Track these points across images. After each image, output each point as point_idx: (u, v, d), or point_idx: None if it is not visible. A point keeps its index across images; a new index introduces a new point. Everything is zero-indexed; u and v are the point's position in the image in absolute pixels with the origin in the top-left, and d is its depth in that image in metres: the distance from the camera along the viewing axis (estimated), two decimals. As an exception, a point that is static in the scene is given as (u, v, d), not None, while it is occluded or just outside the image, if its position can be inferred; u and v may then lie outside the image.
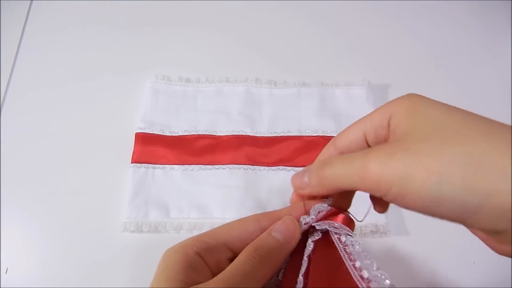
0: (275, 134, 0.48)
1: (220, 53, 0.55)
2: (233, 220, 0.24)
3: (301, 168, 0.25)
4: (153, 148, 0.46)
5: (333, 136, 0.25)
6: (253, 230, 0.23)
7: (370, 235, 0.42)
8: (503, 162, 0.15)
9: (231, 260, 0.22)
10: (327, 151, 0.24)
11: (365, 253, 0.20)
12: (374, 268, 0.18)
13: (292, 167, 0.46)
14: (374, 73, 0.53)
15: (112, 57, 0.54)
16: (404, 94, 0.21)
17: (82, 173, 0.45)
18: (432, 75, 0.54)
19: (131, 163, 0.45)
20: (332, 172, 0.20)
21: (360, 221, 0.23)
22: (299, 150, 0.47)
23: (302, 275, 0.21)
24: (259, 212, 0.26)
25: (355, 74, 0.52)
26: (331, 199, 0.23)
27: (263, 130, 0.48)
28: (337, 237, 0.22)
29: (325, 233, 0.23)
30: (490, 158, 0.16)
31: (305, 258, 0.22)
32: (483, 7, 0.61)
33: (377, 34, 0.58)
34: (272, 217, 0.23)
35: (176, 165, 0.45)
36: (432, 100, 0.20)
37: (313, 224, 0.23)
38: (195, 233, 0.30)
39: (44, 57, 0.53)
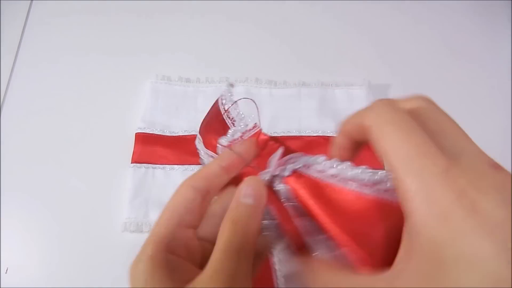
0: (275, 134, 0.48)
1: (220, 53, 0.55)
2: None
3: None
4: (153, 148, 0.46)
5: (333, 136, 0.24)
6: (193, 198, 0.21)
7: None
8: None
9: (200, 238, 0.21)
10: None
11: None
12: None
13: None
14: (374, 73, 0.53)
15: (112, 57, 0.54)
16: (404, 94, 0.21)
17: (82, 173, 0.45)
18: (432, 75, 0.54)
19: (131, 163, 0.45)
20: None
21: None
22: (299, 150, 0.47)
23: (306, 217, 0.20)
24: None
25: (355, 74, 0.52)
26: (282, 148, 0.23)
27: (263, 130, 0.48)
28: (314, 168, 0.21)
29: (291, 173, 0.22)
30: None
31: (284, 201, 0.21)
32: (483, 7, 0.61)
33: (377, 34, 0.58)
34: (204, 177, 0.22)
35: (176, 165, 0.45)
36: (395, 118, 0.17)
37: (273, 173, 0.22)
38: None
39: (44, 57, 0.53)
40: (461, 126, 0.18)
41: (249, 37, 0.56)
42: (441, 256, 0.14)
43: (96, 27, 0.56)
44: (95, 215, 0.43)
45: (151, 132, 0.47)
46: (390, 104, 0.19)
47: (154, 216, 0.42)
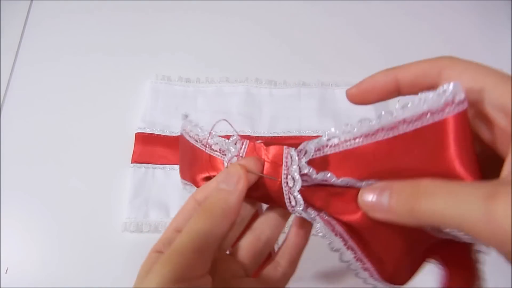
0: (275, 134, 0.48)
1: (220, 53, 0.55)
2: None
3: None
4: (153, 148, 0.46)
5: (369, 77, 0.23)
6: (192, 207, 0.23)
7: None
8: None
9: None
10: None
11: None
12: None
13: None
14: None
15: (112, 57, 0.54)
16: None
17: (82, 173, 0.45)
18: (432, 75, 0.54)
19: (131, 163, 0.45)
20: (432, 206, 0.16)
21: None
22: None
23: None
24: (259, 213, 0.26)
25: (355, 74, 0.52)
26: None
27: (263, 130, 0.48)
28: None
29: None
30: None
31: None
32: (483, 7, 0.61)
33: (377, 34, 0.58)
34: (202, 191, 0.23)
35: (176, 165, 0.45)
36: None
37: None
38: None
39: (44, 57, 0.53)
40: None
41: (249, 37, 0.56)
42: None
43: (96, 27, 0.56)
44: (95, 215, 0.43)
45: (151, 132, 0.47)
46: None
47: (154, 216, 0.42)
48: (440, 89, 0.17)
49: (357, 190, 0.19)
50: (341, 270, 0.42)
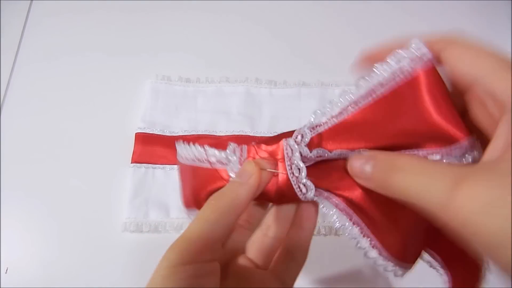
0: (275, 134, 0.48)
1: (220, 53, 0.55)
2: None
3: None
4: (153, 148, 0.46)
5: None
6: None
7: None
8: None
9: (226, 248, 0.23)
10: None
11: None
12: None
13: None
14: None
15: (112, 57, 0.54)
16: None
17: (82, 173, 0.45)
18: (432, 75, 0.54)
19: (131, 163, 0.45)
20: (403, 182, 0.16)
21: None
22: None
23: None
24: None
25: (355, 74, 0.52)
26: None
27: (263, 130, 0.48)
28: None
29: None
30: None
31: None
32: (483, 7, 0.61)
33: (378, 34, 0.58)
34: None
35: (176, 165, 0.45)
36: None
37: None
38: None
39: (44, 56, 0.53)
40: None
41: (249, 37, 0.56)
42: None
43: (96, 27, 0.56)
44: (95, 215, 0.43)
45: (151, 132, 0.47)
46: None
47: (154, 216, 0.42)
48: (405, 48, 0.19)
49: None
50: (345, 272, 0.42)
